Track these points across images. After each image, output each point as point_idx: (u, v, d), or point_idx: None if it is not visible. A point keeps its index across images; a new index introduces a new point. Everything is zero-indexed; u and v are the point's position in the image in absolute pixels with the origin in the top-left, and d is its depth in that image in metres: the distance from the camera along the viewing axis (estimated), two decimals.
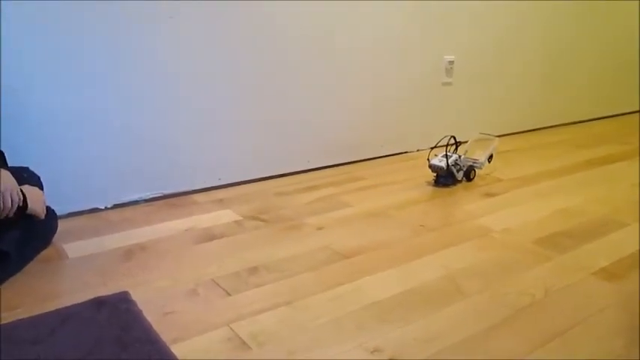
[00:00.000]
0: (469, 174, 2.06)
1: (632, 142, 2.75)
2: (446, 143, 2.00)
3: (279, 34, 2.00)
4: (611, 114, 3.52)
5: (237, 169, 2.03)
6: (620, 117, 3.53)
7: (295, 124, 2.14)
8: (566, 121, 3.25)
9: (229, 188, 2.00)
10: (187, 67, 1.82)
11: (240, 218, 1.69)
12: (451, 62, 2.54)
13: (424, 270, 1.33)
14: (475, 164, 2.08)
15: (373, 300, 1.18)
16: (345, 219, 1.67)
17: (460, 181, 2.03)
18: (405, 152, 2.53)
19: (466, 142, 2.21)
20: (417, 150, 2.56)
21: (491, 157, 2.12)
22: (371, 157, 2.41)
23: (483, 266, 1.35)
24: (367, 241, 1.50)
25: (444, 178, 2.00)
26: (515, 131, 2.97)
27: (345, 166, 2.29)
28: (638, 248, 1.44)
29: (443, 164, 1.97)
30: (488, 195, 1.91)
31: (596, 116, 3.42)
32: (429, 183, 2.04)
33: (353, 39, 2.20)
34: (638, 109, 3.67)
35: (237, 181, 2.04)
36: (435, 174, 2.03)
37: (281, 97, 2.07)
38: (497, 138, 2.15)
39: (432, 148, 2.05)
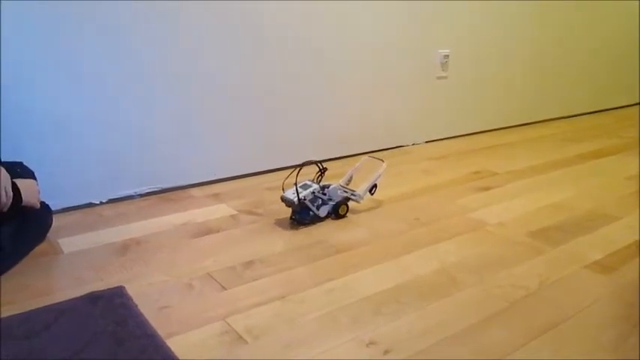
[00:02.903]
0: (338, 208, 1.62)
1: (624, 135, 2.77)
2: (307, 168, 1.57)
3: (274, 32, 1.99)
4: (604, 108, 3.54)
5: (233, 163, 2.03)
6: (613, 111, 3.55)
7: (290, 119, 2.14)
8: (560, 115, 3.26)
9: (225, 183, 2.00)
10: (183, 65, 1.82)
11: (236, 212, 1.69)
12: (446, 56, 2.55)
13: (419, 263, 1.33)
14: (353, 196, 1.67)
15: (368, 293, 1.19)
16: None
17: (323, 219, 1.61)
18: (400, 146, 2.53)
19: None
20: (412, 144, 2.56)
21: (374, 187, 1.69)
22: (366, 151, 2.41)
23: (477, 259, 1.35)
24: (362, 235, 1.51)
25: (299, 214, 1.58)
26: (509, 125, 2.99)
27: (340, 160, 2.29)
28: (630, 241, 1.45)
29: (295, 198, 1.56)
30: (483, 189, 1.92)
31: (589, 110, 3.44)
32: (427, 173, 2.05)
33: (347, 34, 2.19)
34: (630, 102, 3.68)
35: (232, 175, 2.04)
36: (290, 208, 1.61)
37: (276, 93, 2.07)
38: (384, 163, 1.73)
39: (294, 170, 1.56)
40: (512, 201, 1.79)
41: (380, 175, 1.70)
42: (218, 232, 1.55)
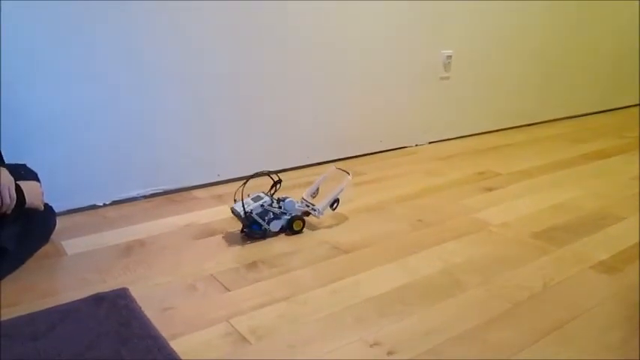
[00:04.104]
0: (292, 223, 1.52)
1: (629, 135, 2.76)
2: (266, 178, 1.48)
3: (279, 32, 1.99)
4: (608, 108, 3.53)
5: (236, 164, 2.03)
6: (618, 111, 3.54)
7: (294, 119, 2.14)
8: (564, 115, 3.25)
9: (228, 184, 2.00)
10: (187, 66, 1.82)
11: None
12: (449, 57, 2.54)
13: (423, 264, 1.33)
14: (313, 211, 1.56)
15: (372, 294, 1.18)
16: (344, 214, 1.67)
17: (276, 233, 1.52)
18: (404, 147, 2.53)
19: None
20: (416, 145, 2.56)
21: (336, 202, 1.59)
22: (369, 152, 2.41)
23: (482, 260, 1.35)
24: (366, 236, 1.50)
25: (249, 227, 1.48)
26: (513, 125, 2.98)
27: (344, 161, 2.29)
28: (635, 241, 1.44)
29: (242, 211, 1.45)
30: (487, 189, 1.91)
31: (593, 110, 3.43)
32: (430, 174, 2.05)
33: (351, 34, 2.19)
34: (635, 103, 3.67)
35: (236, 177, 2.04)
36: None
37: (280, 93, 2.07)
38: (349, 176, 1.63)
39: (246, 181, 1.49)
40: (516, 201, 1.78)
41: (343, 189, 1.60)
42: (222, 233, 1.55)
